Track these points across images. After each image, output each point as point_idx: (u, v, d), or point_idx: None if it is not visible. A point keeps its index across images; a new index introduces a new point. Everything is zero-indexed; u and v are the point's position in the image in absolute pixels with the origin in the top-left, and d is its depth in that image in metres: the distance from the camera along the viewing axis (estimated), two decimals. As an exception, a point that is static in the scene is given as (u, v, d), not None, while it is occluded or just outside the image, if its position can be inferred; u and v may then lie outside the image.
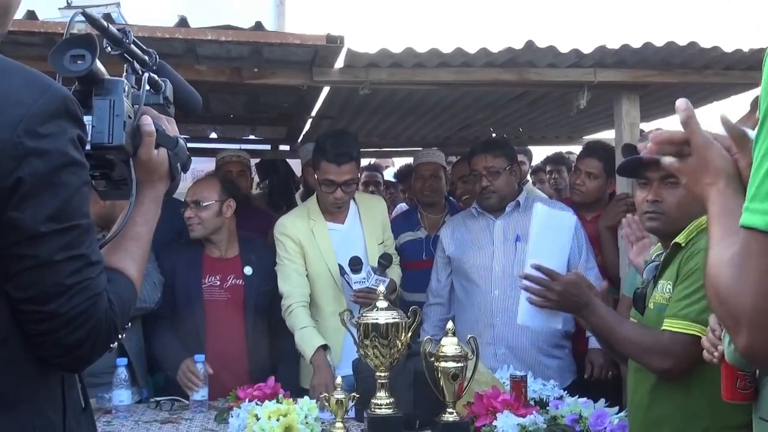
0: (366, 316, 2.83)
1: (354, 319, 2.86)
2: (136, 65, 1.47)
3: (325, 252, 3.66)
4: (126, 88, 1.37)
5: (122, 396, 3.20)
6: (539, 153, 6.81)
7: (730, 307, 1.07)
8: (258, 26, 3.05)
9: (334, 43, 3.06)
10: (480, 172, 3.82)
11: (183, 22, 2.99)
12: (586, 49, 3.40)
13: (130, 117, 1.37)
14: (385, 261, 3.60)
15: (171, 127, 1.49)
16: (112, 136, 1.32)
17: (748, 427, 1.98)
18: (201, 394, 3.34)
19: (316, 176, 3.65)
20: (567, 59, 3.50)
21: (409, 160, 6.16)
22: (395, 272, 3.89)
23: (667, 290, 2.31)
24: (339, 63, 3.45)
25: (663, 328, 2.24)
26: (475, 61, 3.47)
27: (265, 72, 3.48)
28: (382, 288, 2.95)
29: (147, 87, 1.45)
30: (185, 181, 6.70)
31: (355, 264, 3.53)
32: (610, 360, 3.70)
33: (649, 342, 2.27)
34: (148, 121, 1.42)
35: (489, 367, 3.40)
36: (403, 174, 6.40)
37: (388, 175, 6.88)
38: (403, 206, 5.70)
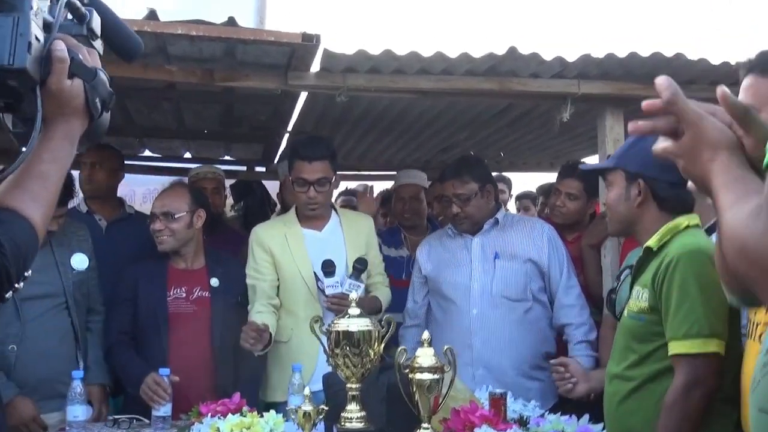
0: (337, 323, 2.68)
1: (324, 327, 2.70)
2: None
3: (298, 257, 3.53)
4: (34, 6, 1.22)
5: (77, 411, 3.01)
6: (521, 179, 6.72)
7: (756, 258, 0.93)
8: (231, 22, 2.93)
9: (309, 42, 2.95)
10: (449, 198, 3.70)
11: (152, 15, 2.86)
12: (571, 57, 3.30)
13: (38, 39, 1.22)
14: (360, 265, 3.44)
15: (92, 59, 1.34)
16: (13, 56, 1.17)
17: None
18: (164, 410, 3.17)
19: (290, 178, 3.54)
20: (550, 68, 3.41)
21: (389, 184, 6.06)
22: (383, 292, 3.72)
23: (643, 298, 2.22)
24: (315, 67, 3.33)
25: (671, 353, 2.11)
26: (455, 68, 3.37)
27: (239, 74, 3.36)
28: (354, 295, 2.79)
29: (68, 15, 1.30)
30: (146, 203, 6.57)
31: (328, 267, 3.39)
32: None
33: (671, 399, 2.10)
34: (60, 47, 1.27)
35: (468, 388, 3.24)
36: (383, 198, 6.28)
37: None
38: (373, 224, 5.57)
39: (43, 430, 3.15)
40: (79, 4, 1.34)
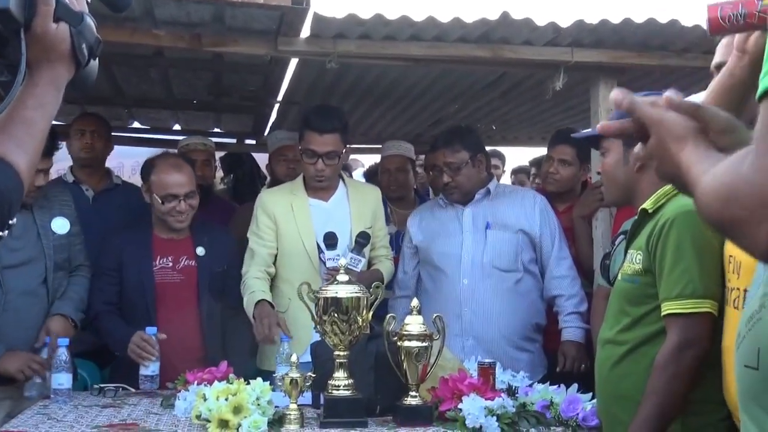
0: (325, 290, 2.64)
1: (312, 293, 2.66)
2: None
3: (303, 227, 3.48)
4: None
5: (61, 379, 2.96)
6: (513, 154, 6.69)
7: (744, 198, 0.89)
8: (219, -17, 2.87)
9: (299, 5, 2.89)
10: (440, 167, 3.66)
11: (138, -25, 2.80)
12: (564, 23, 3.26)
13: None
14: (362, 239, 3.39)
15: (78, 3, 1.29)
16: None
17: (712, 402, 1.84)
18: (152, 368, 3.14)
19: (300, 148, 3.48)
20: (543, 34, 3.36)
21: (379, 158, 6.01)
22: (385, 266, 3.67)
23: (637, 260, 2.19)
24: (305, 32, 3.27)
25: (664, 312, 2.08)
26: (447, 34, 3.32)
27: (227, 39, 3.30)
28: (343, 261, 2.75)
29: None
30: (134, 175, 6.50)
31: (330, 239, 3.34)
32: (583, 352, 3.54)
33: (662, 360, 2.07)
34: None
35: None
36: (372, 173, 6.23)
37: (358, 175, 6.70)
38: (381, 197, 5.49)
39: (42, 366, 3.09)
40: None
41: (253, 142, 6.04)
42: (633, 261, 2.19)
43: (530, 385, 2.93)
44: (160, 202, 3.36)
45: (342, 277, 2.66)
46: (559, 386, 2.80)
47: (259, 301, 3.22)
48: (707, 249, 2.04)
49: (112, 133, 5.34)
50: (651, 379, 2.03)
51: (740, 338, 1.31)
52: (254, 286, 3.33)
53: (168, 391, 3.05)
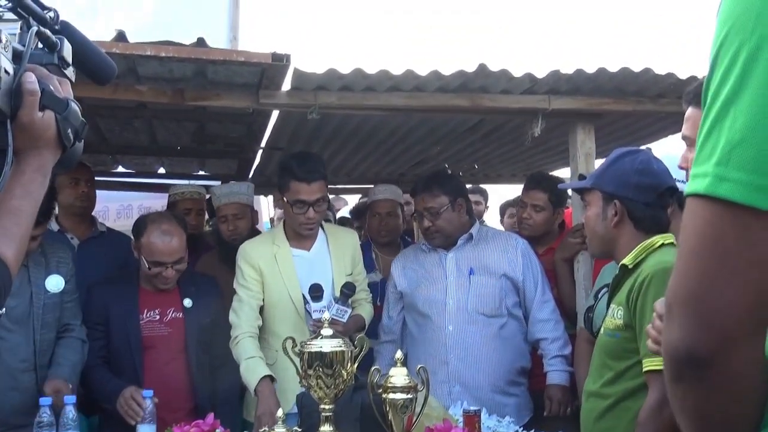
0: (309, 344, 2.66)
1: (297, 347, 2.68)
2: (33, 22, 1.32)
3: (288, 278, 3.49)
4: (3, 39, 1.21)
5: None
6: (496, 191, 6.75)
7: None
8: (200, 42, 2.92)
9: (280, 62, 2.95)
10: (420, 212, 3.70)
11: (121, 36, 2.85)
12: (540, 74, 3.33)
13: (7, 72, 1.21)
14: (347, 290, 3.41)
15: (63, 89, 1.33)
16: None
17: None
18: (149, 430, 3.12)
19: (285, 199, 3.47)
20: (520, 84, 3.43)
21: (361, 197, 6.06)
22: (365, 309, 3.67)
23: (618, 316, 2.23)
24: (286, 86, 3.33)
25: (645, 369, 2.12)
26: (426, 85, 3.38)
27: (210, 94, 3.35)
28: (327, 315, 2.78)
29: (38, 44, 1.29)
30: (131, 218, 6.53)
31: (316, 291, 3.35)
32: (569, 395, 3.57)
33: (644, 417, 2.11)
34: (31, 79, 1.25)
35: (443, 405, 3.24)
36: (359, 211, 6.27)
37: (344, 213, 6.75)
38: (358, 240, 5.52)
39: None
40: (49, 32, 1.33)
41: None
42: (614, 316, 2.24)
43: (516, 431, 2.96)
44: (147, 266, 3.38)
45: (326, 331, 2.68)
46: (544, 434, 2.82)
47: (262, 378, 3.20)
48: None
49: (97, 178, 5.41)
50: None
51: None
52: (250, 350, 3.31)
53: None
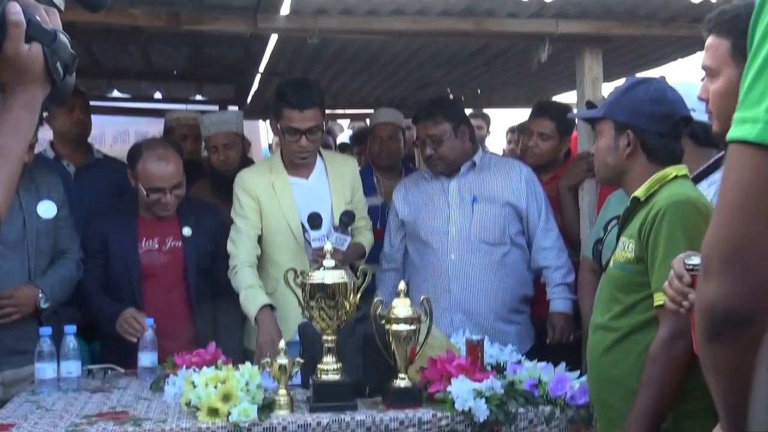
0: (311, 275, 2.64)
1: (299, 279, 2.66)
2: None
3: (286, 207, 3.44)
4: None
5: (71, 367, 2.92)
6: (498, 117, 6.66)
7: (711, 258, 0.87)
8: (195, -37, 2.80)
9: (278, -16, 2.83)
10: (423, 139, 3.63)
11: (112, -43, 2.72)
12: (548, -2, 3.21)
13: None
14: (346, 218, 3.37)
15: (51, 20, 1.25)
16: None
17: (701, 387, 1.84)
18: (151, 359, 3.11)
19: (278, 126, 3.41)
20: (527, 8, 3.31)
21: (362, 122, 5.98)
22: (365, 237, 3.64)
23: (629, 249, 2.18)
24: (285, 9, 3.21)
25: (656, 303, 2.08)
26: (430, 8, 3.26)
27: (206, 17, 3.24)
28: (328, 246, 2.74)
29: None
30: (127, 143, 6.45)
31: (314, 220, 3.31)
32: (572, 323, 3.57)
33: (654, 351, 2.07)
34: (15, 10, 1.17)
35: (445, 334, 3.24)
36: (359, 136, 6.19)
37: (344, 138, 6.66)
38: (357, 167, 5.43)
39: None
40: None
41: (236, 108, 5.96)
42: (625, 249, 2.19)
43: (519, 362, 2.95)
44: (145, 193, 3.32)
45: (328, 262, 2.65)
46: (547, 363, 2.82)
47: (262, 306, 3.18)
48: (699, 238, 2.00)
49: (92, 103, 5.30)
50: (645, 371, 2.05)
51: None
52: (249, 279, 3.29)
53: (156, 374, 3.06)
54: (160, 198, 3.34)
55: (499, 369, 2.91)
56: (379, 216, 4.32)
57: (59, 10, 1.31)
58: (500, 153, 6.60)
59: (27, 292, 3.18)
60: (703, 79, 2.05)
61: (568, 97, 5.63)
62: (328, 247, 2.72)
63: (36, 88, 1.24)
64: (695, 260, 1.68)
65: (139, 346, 3.12)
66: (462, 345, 3.02)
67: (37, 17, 1.21)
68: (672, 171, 2.21)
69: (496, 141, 6.71)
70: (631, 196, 2.23)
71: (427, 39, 3.71)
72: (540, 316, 3.68)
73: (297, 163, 3.45)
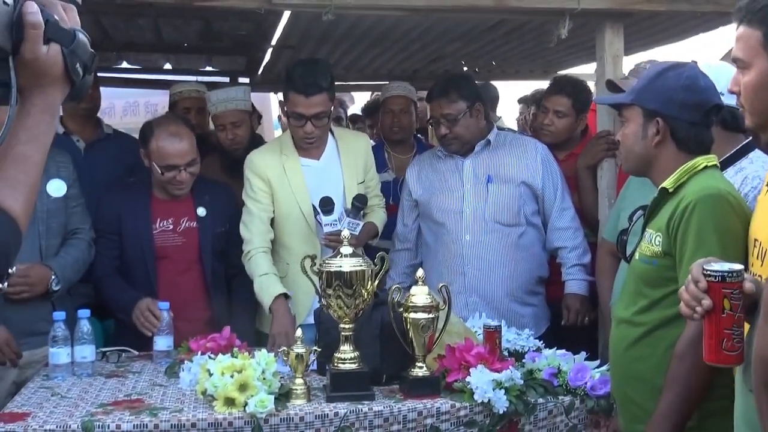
0: (329, 263, 2.59)
1: (316, 266, 2.61)
2: None
3: (297, 190, 3.38)
4: None
5: (85, 352, 2.88)
6: (512, 88, 6.56)
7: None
8: (207, -61, 2.71)
9: (293, -40, 2.74)
10: (437, 119, 3.55)
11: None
12: (571, -28, 3.11)
13: (6, 3, 1.08)
14: (359, 203, 3.31)
15: (70, 17, 1.19)
16: None
17: (726, 386, 1.81)
18: (167, 343, 3.09)
19: (285, 108, 3.34)
20: (549, -17, 3.21)
21: (375, 94, 5.89)
22: (378, 216, 3.58)
23: (657, 242, 2.12)
24: (300, -16, 3.13)
25: None
26: (448, -17, 3.17)
27: (218, -7, 3.15)
28: (346, 232, 2.68)
29: None
30: (138, 116, 6.38)
31: (326, 204, 3.25)
32: (587, 305, 3.53)
33: (681, 349, 2.02)
34: (33, 9, 1.12)
35: (460, 316, 3.20)
36: (370, 108, 6.11)
37: (355, 110, 6.58)
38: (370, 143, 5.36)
39: (17, 356, 3.04)
40: None
41: (247, 80, 5.88)
42: (652, 242, 2.13)
43: (538, 349, 2.92)
44: (160, 172, 3.26)
45: (345, 249, 2.60)
46: (563, 347, 2.78)
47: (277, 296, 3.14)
48: (730, 234, 1.97)
49: (101, 74, 5.23)
50: (671, 369, 2.00)
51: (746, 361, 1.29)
52: (263, 266, 3.24)
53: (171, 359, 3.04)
54: (175, 176, 3.28)
55: (517, 356, 2.87)
56: (391, 191, 4.27)
57: (77, 4, 1.25)
58: (513, 124, 6.52)
59: (40, 271, 3.14)
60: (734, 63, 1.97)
61: (586, 69, 5.53)
62: (345, 233, 2.67)
63: (55, 91, 1.20)
64: (715, 266, 1.62)
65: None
66: (478, 328, 2.99)
67: (55, 16, 1.16)
68: (702, 161, 2.14)
69: (508, 112, 6.62)
70: (659, 187, 2.16)
71: (444, 14, 3.61)
72: (555, 296, 3.64)
73: (304, 148, 3.39)
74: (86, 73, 1.24)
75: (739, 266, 1.63)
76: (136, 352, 3.18)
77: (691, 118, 2.14)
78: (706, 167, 2.13)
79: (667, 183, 2.13)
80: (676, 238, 2.05)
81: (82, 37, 1.20)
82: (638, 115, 2.21)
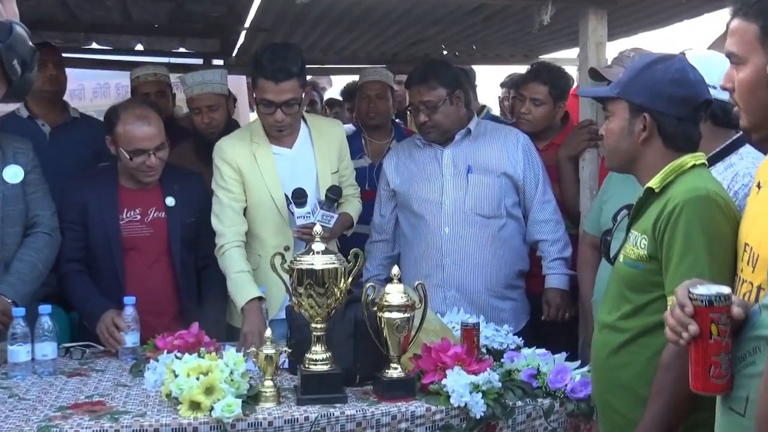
0: (300, 260, 2.48)
1: (286, 263, 2.50)
2: None
3: (269, 179, 3.25)
4: None
5: (46, 349, 2.77)
6: (492, 73, 6.44)
7: None
8: None
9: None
10: (416, 106, 3.43)
11: None
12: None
13: None
14: (333, 194, 3.20)
15: (6, 7, 1.06)
16: None
17: (712, 400, 1.73)
18: (132, 339, 2.99)
19: (254, 95, 3.21)
20: (531, -32, 3.09)
21: (353, 78, 5.74)
22: (353, 206, 3.47)
23: (642, 245, 2.02)
24: (272, -35, 2.99)
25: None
26: (428, -34, 3.04)
27: (187, -26, 3.00)
28: (318, 229, 2.57)
29: None
30: (108, 98, 6.20)
31: (299, 197, 3.13)
32: (568, 299, 3.46)
33: (668, 358, 1.92)
34: None
35: (438, 311, 3.12)
36: (350, 92, 5.98)
37: (333, 93, 6.44)
38: (349, 127, 5.22)
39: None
40: None
41: (221, 62, 5.72)
42: (637, 245, 2.03)
43: (517, 348, 2.84)
44: (128, 157, 3.13)
45: (318, 246, 2.49)
46: (545, 352, 2.69)
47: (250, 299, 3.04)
48: (719, 237, 1.87)
49: (69, 55, 5.05)
50: (656, 379, 1.91)
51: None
52: (237, 263, 3.13)
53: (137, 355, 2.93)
54: (144, 161, 3.15)
55: (495, 354, 2.79)
56: (367, 177, 4.18)
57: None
58: (495, 109, 6.42)
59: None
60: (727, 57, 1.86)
61: (568, 54, 5.42)
62: (317, 229, 2.56)
63: None
64: (701, 290, 1.52)
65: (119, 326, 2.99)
66: (456, 324, 2.90)
67: None
68: (689, 160, 2.04)
69: (490, 97, 6.49)
70: (645, 187, 2.06)
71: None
72: (535, 290, 3.56)
73: (274, 136, 3.26)
74: (26, 71, 1.11)
75: (727, 290, 1.53)
76: (101, 347, 3.08)
77: (680, 113, 2.04)
78: (694, 166, 2.04)
79: (653, 182, 2.03)
80: (662, 241, 1.95)
81: (20, 30, 1.07)
82: (624, 110, 2.11)
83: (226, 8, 3.97)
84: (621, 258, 2.11)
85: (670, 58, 2.10)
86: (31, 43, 1.12)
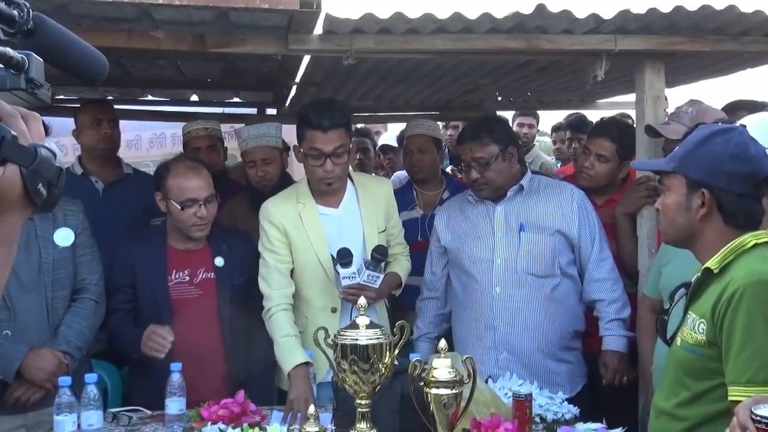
0: (343, 335, 2.41)
1: (329, 338, 2.43)
2: None
3: (315, 240, 3.21)
4: None
5: (92, 419, 2.77)
6: (549, 116, 6.35)
7: None
8: (219, -13, 2.57)
9: (309, 8, 2.59)
10: (468, 162, 3.37)
11: (129, -16, 2.52)
12: (607, 14, 2.90)
13: None
14: (379, 255, 3.14)
15: (32, 128, 1.02)
16: None
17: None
18: (178, 406, 2.94)
19: (302, 151, 3.18)
20: (584, 24, 3.02)
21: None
22: (402, 265, 3.42)
23: (700, 330, 1.90)
24: (318, 29, 2.97)
25: (731, 398, 1.81)
26: (477, 26, 2.99)
27: (233, 39, 3.01)
28: (362, 301, 2.49)
29: None
30: (164, 148, 6.27)
31: (344, 257, 3.08)
32: (626, 363, 3.31)
33: None
34: None
35: (490, 374, 3.02)
36: (404, 138, 5.93)
37: (387, 139, 6.39)
38: (403, 174, 5.15)
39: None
40: (12, 52, 1.01)
41: (275, 111, 5.75)
42: (695, 329, 1.91)
43: (573, 419, 2.71)
44: (179, 208, 3.13)
45: (362, 320, 2.42)
46: (602, 427, 2.57)
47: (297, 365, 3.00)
48: None
49: (126, 107, 5.14)
50: None
51: None
52: (284, 328, 3.10)
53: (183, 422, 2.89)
54: (196, 212, 3.15)
55: (549, 427, 2.67)
56: (419, 228, 4.12)
57: (44, 102, 1.09)
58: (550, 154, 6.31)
59: (47, 361, 3.00)
60: None
61: (624, 99, 5.30)
62: (362, 301, 2.49)
63: (12, 217, 1.02)
64: (764, 411, 1.41)
65: (166, 392, 2.95)
66: (508, 390, 2.79)
67: (13, 132, 0.98)
68: (751, 239, 1.92)
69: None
70: (703, 267, 1.95)
71: (470, 57, 3.42)
72: (593, 350, 3.42)
73: (324, 191, 3.23)
74: (53, 190, 1.07)
75: None
76: (149, 412, 3.04)
77: (740, 189, 1.93)
78: (756, 245, 1.92)
79: (712, 263, 1.92)
80: (722, 327, 1.83)
81: (46, 152, 1.03)
82: (681, 185, 2.00)
83: (276, 65, 3.98)
84: (678, 341, 2.00)
85: (730, 131, 1.99)
86: (57, 165, 1.08)
